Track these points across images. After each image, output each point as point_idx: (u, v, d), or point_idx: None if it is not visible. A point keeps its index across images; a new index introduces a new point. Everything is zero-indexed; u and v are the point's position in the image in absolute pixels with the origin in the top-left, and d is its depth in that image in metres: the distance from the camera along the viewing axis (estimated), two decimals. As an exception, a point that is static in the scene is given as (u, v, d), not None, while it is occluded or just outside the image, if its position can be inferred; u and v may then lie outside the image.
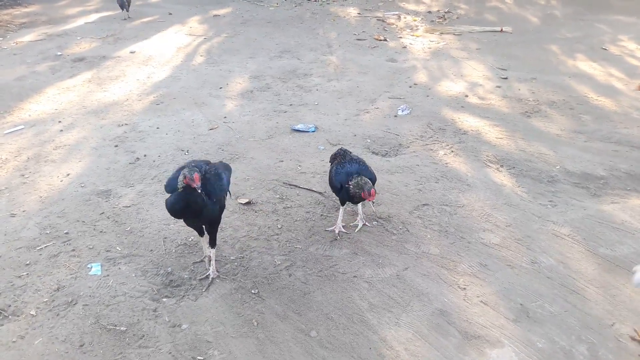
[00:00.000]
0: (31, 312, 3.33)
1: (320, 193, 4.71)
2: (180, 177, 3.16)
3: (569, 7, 12.58)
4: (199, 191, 3.13)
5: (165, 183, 3.46)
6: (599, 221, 4.30)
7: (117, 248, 3.96)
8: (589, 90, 7.30)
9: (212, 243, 3.59)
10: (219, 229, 3.63)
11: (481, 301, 3.46)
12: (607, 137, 5.83)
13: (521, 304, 3.43)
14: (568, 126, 6.14)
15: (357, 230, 4.20)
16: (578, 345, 3.12)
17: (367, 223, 4.28)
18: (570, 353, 3.06)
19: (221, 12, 12.18)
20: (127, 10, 11.46)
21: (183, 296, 3.50)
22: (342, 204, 4.13)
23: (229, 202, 3.97)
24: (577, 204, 4.55)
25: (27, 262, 3.78)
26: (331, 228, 4.20)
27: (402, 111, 6.53)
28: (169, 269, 3.74)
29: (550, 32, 10.48)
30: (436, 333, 3.21)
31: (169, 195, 3.34)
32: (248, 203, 4.55)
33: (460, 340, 3.16)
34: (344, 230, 4.17)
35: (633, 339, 3.19)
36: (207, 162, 3.62)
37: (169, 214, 3.40)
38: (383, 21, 11.45)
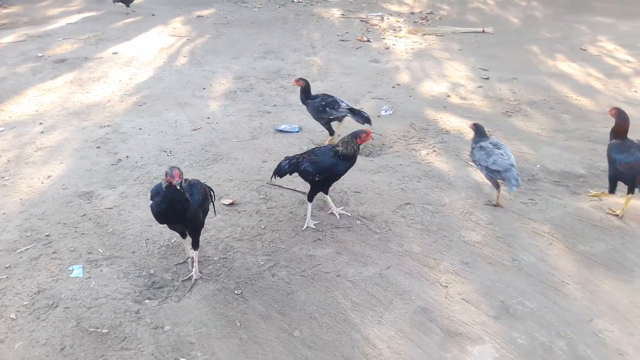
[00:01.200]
0: (11, 316, 3.30)
1: (304, 193, 4.71)
2: (163, 178, 3.16)
3: (549, 8, 12.76)
4: (179, 188, 3.14)
5: (151, 191, 3.50)
6: (578, 219, 4.37)
7: (99, 250, 3.94)
8: (568, 90, 7.41)
9: (195, 245, 3.58)
10: (202, 231, 3.63)
11: (463, 299, 3.50)
12: (586, 136, 5.92)
13: (502, 301, 3.48)
14: (548, 125, 6.23)
15: (338, 216, 4.37)
16: (557, 340, 3.17)
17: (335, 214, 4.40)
18: (549, 348, 3.11)
19: (205, 13, 12.14)
20: (128, 5, 11.84)
21: (166, 298, 3.49)
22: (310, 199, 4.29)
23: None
24: (557, 202, 4.62)
25: (7, 265, 3.74)
26: (304, 227, 4.27)
27: (385, 111, 6.57)
28: (152, 271, 3.72)
29: (531, 32, 10.62)
30: (418, 331, 3.24)
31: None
32: (232, 204, 4.55)
33: (442, 338, 3.20)
34: (312, 226, 4.26)
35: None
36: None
37: (154, 218, 3.41)
38: (366, 22, 11.50)
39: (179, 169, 3.13)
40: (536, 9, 12.78)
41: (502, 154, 4.30)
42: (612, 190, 4.40)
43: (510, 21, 11.67)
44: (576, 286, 3.62)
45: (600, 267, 3.81)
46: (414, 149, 5.58)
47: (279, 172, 4.28)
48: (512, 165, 4.25)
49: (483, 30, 10.69)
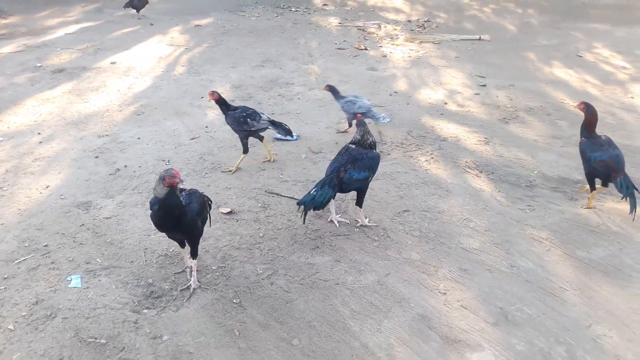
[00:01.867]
0: (9, 327, 3.29)
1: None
2: (159, 182, 3.18)
3: (545, 15, 12.84)
4: (182, 185, 3.22)
5: (150, 201, 3.54)
6: (576, 224, 4.38)
7: (98, 260, 3.93)
8: (565, 97, 7.45)
9: (193, 254, 3.58)
10: (200, 240, 3.64)
11: (461, 305, 3.50)
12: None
13: (500, 308, 3.48)
14: (545, 132, 6.26)
15: (337, 224, 4.40)
16: (556, 347, 3.17)
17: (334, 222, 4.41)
18: (548, 355, 3.11)
19: (203, 22, 12.20)
20: (138, 12, 12.38)
21: (164, 307, 3.48)
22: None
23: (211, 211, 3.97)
24: (554, 208, 4.64)
25: (5, 276, 3.74)
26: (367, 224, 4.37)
27: (383, 119, 6.57)
28: (150, 280, 3.72)
29: (528, 40, 10.68)
30: (417, 338, 3.24)
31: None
32: (230, 212, 4.55)
33: (441, 345, 3.19)
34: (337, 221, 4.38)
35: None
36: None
37: (155, 227, 3.44)
38: (363, 30, 11.56)
39: (174, 168, 3.17)
40: (532, 16, 12.86)
41: (362, 101, 5.74)
42: (592, 187, 4.57)
43: (506, 28, 11.74)
44: (574, 292, 3.62)
45: (599, 272, 3.81)
46: (411, 156, 5.60)
47: (321, 204, 3.97)
48: (372, 107, 5.79)
49: (480, 38, 10.75)
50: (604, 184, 4.52)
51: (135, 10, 12.47)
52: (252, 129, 5.18)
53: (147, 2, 12.49)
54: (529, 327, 3.31)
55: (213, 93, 5.23)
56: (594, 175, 4.50)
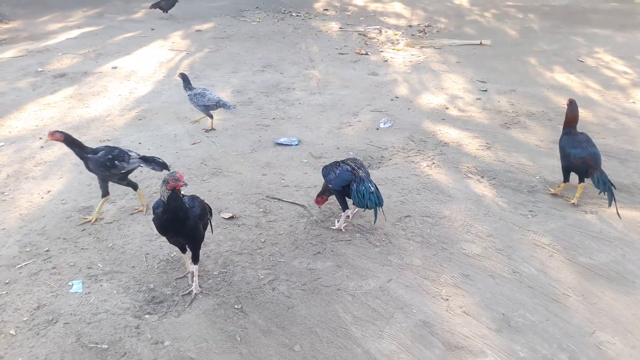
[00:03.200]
0: (11, 332, 3.28)
1: (303, 206, 4.72)
2: (163, 185, 3.19)
3: (546, 20, 12.86)
4: (186, 186, 3.24)
5: (152, 206, 3.54)
6: (579, 230, 4.37)
7: (99, 265, 3.93)
8: (566, 102, 7.43)
9: (195, 259, 3.57)
10: (201, 245, 3.63)
11: (464, 312, 3.49)
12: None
13: (503, 314, 3.46)
14: (547, 137, 6.26)
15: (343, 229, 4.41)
16: (559, 353, 3.15)
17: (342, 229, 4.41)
18: (551, 361, 3.10)
19: (204, 27, 12.22)
20: (166, 12, 12.85)
21: (165, 312, 3.47)
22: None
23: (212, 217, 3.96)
24: (556, 213, 4.63)
25: (7, 281, 3.73)
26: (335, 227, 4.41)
27: (384, 124, 6.60)
28: (151, 285, 3.71)
29: (529, 45, 10.70)
30: (419, 344, 3.23)
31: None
32: (231, 217, 4.54)
33: (443, 352, 3.18)
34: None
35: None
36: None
37: (157, 230, 3.45)
38: (364, 35, 11.58)
39: (178, 172, 3.19)
40: (533, 21, 12.88)
41: (210, 94, 6.22)
42: (565, 179, 4.89)
43: (507, 34, 11.76)
44: (577, 298, 3.61)
45: (602, 279, 3.80)
46: (413, 162, 5.60)
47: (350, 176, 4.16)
48: (220, 99, 6.26)
49: (481, 43, 10.76)
50: (581, 180, 4.76)
51: (162, 11, 12.90)
52: (123, 171, 4.44)
53: (176, 3, 12.93)
54: (532, 333, 3.30)
55: (54, 133, 4.31)
56: (571, 169, 4.80)
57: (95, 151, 4.39)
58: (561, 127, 6.19)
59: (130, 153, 4.50)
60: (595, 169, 4.59)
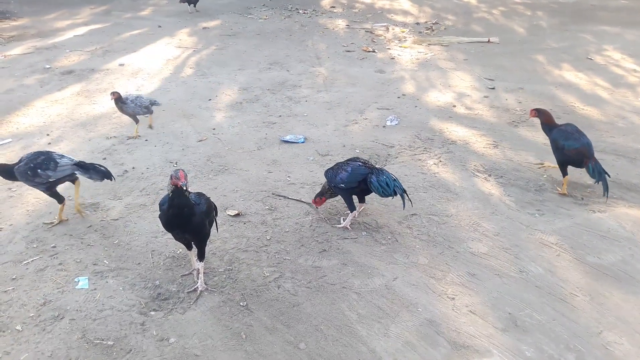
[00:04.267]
0: (17, 327, 3.29)
1: (308, 204, 4.71)
2: (169, 180, 3.20)
3: (554, 18, 12.77)
4: (185, 188, 3.19)
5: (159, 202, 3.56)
6: (586, 229, 4.33)
7: (105, 261, 3.94)
8: (575, 100, 7.39)
9: (201, 256, 3.57)
10: (207, 242, 3.63)
11: (470, 311, 3.47)
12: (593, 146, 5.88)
13: (510, 313, 3.44)
14: (555, 135, 6.20)
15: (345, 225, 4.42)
16: (566, 353, 3.13)
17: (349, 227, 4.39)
18: (558, 361, 3.07)
19: (210, 24, 12.23)
20: (194, 5, 13.21)
21: (171, 309, 3.48)
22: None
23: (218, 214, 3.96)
24: (564, 212, 4.59)
25: (14, 277, 3.75)
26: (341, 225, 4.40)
27: (391, 122, 6.57)
28: (157, 282, 3.71)
29: (537, 42, 10.62)
30: (425, 343, 3.21)
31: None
32: (237, 215, 4.54)
33: (449, 351, 3.16)
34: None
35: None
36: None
37: (163, 226, 3.45)
38: (371, 33, 11.54)
39: (183, 170, 3.17)
40: (541, 18, 12.79)
41: (142, 100, 6.15)
42: (564, 173, 4.88)
43: (515, 31, 11.68)
44: (585, 298, 3.58)
45: (609, 278, 3.77)
46: (419, 159, 5.57)
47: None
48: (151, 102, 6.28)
49: (489, 40, 10.70)
50: (565, 173, 4.88)
51: (191, 5, 13.19)
52: (50, 180, 4.13)
53: None
54: (539, 333, 3.28)
55: None
56: (568, 162, 4.81)
57: (19, 162, 4.12)
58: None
59: (60, 160, 4.15)
60: (589, 158, 4.65)
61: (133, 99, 6.11)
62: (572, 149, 4.70)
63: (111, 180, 4.42)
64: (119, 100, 6.00)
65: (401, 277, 3.79)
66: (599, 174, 4.61)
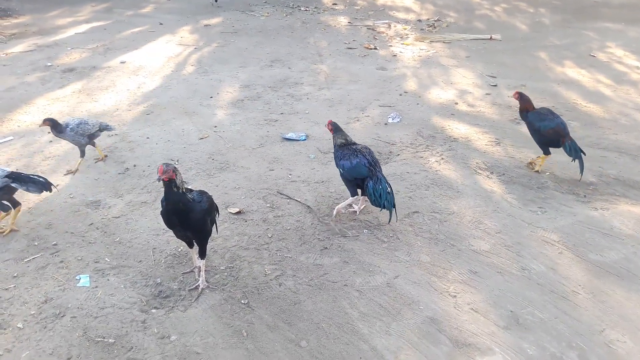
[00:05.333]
0: (18, 325, 3.29)
1: (310, 207, 4.69)
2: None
3: (557, 15, 12.72)
4: (175, 188, 3.20)
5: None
6: (589, 227, 4.32)
7: (106, 259, 3.93)
8: (577, 97, 7.37)
9: (202, 254, 3.57)
10: (209, 240, 3.62)
11: (472, 308, 3.46)
12: (595, 143, 5.87)
13: (511, 311, 3.43)
14: (557, 133, 6.18)
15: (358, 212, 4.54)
16: (568, 351, 3.12)
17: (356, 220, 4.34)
18: (560, 359, 3.06)
19: (212, 21, 12.21)
20: (216, 1, 13.72)
21: (172, 307, 3.47)
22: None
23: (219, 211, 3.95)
24: (566, 210, 4.57)
25: (15, 274, 3.75)
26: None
27: (393, 119, 6.56)
28: (158, 280, 3.71)
29: (539, 39, 10.58)
30: (427, 341, 3.20)
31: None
32: (238, 212, 4.54)
33: (450, 349, 3.15)
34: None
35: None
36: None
37: (164, 222, 3.45)
38: (373, 30, 11.51)
39: (164, 164, 3.15)
40: (544, 15, 12.74)
41: (87, 126, 5.14)
42: (547, 152, 5.11)
43: (518, 28, 11.64)
44: (587, 296, 3.57)
45: (612, 276, 3.75)
46: (421, 157, 5.55)
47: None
48: (101, 123, 5.39)
49: (491, 37, 10.66)
50: (547, 152, 5.10)
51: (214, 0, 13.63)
52: None
53: None
54: (541, 331, 3.27)
55: None
56: (547, 144, 5.04)
57: None
58: (572, 122, 6.18)
59: None
60: (564, 137, 4.89)
61: (74, 127, 5.09)
62: (548, 129, 4.93)
63: (50, 191, 4.21)
64: (54, 128, 5.06)
65: (403, 274, 3.78)
66: (575, 151, 4.84)
